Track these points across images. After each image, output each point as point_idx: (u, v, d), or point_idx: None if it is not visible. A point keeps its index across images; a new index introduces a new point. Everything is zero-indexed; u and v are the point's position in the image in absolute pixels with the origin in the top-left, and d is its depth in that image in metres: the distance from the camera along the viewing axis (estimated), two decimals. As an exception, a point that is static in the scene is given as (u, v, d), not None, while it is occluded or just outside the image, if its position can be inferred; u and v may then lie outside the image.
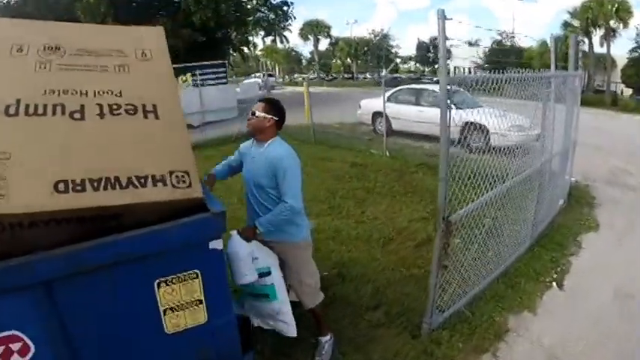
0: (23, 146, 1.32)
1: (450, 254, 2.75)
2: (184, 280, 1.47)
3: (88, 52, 1.65)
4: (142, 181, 1.36)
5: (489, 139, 3.60)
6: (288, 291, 2.56)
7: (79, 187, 1.27)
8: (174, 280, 1.45)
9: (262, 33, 31.50)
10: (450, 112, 2.38)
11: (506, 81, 2.94)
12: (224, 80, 15.67)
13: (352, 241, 4.49)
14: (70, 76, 1.55)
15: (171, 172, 1.41)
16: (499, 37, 38.73)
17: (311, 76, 49.33)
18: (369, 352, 2.79)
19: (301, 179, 2.45)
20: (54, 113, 1.41)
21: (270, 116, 2.45)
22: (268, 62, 58.61)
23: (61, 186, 1.25)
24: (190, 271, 1.47)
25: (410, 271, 3.78)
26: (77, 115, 1.43)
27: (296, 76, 56.16)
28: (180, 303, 1.49)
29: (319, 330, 2.76)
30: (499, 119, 3.38)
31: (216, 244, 1.47)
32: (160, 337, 1.49)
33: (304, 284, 2.61)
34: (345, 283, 3.62)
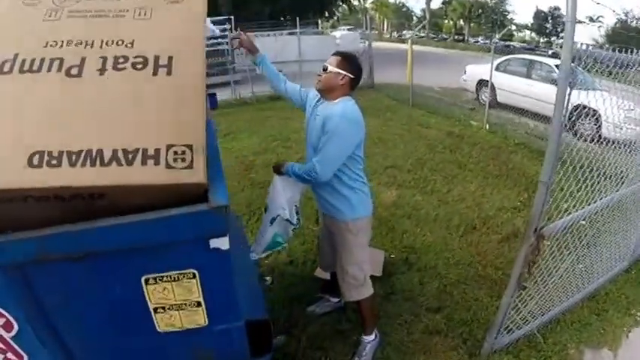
0: (8, 109, 1.15)
1: (535, 273, 2.18)
2: (177, 280, 1.24)
3: None
4: (130, 156, 1.08)
5: (600, 127, 2.94)
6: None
7: (54, 162, 1.05)
8: (165, 279, 1.23)
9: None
10: (568, 94, 1.79)
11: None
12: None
13: (429, 224, 4.06)
14: (78, 24, 1.32)
15: (169, 147, 1.11)
16: (624, 17, 33.03)
17: (421, 34, 46.60)
18: (416, 364, 2.43)
19: (350, 151, 2.05)
20: (49, 69, 1.20)
21: (345, 73, 2.10)
22: (377, 15, 56.50)
23: (36, 159, 1.05)
24: (185, 271, 1.24)
25: (486, 270, 3.25)
26: (74, 71, 1.20)
27: (404, 32, 53.58)
28: (175, 303, 1.29)
29: (363, 327, 2.46)
30: (617, 108, 2.72)
31: (219, 243, 1.19)
32: (150, 335, 1.33)
33: (347, 273, 2.28)
34: (411, 272, 3.25)
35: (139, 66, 1.23)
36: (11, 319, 1.20)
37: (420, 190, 4.95)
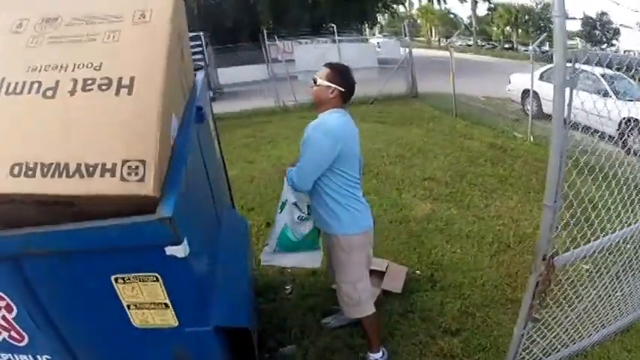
0: None
1: (550, 304, 2.01)
2: (144, 281, 1.34)
3: (83, 19, 1.53)
4: (91, 169, 1.21)
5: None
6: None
7: (30, 172, 1.21)
8: (132, 279, 1.34)
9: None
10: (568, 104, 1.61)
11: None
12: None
13: (461, 240, 3.85)
14: (56, 49, 1.47)
15: (124, 162, 1.22)
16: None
17: (468, 42, 45.42)
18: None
19: (324, 163, 2.01)
20: (29, 91, 1.36)
21: (334, 86, 2.05)
22: (424, 22, 55.69)
23: (16, 169, 1.22)
24: (148, 274, 1.33)
25: (515, 293, 2.99)
26: (49, 93, 1.35)
27: (452, 40, 52.69)
28: (145, 302, 1.38)
29: (368, 344, 2.37)
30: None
31: (175, 251, 1.27)
32: (128, 328, 1.44)
33: (342, 292, 2.23)
34: (434, 291, 3.10)
35: (104, 87, 1.36)
36: (11, 302, 1.37)
37: (456, 204, 4.74)
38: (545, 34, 8.63)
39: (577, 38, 50.79)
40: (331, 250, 2.26)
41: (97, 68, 1.40)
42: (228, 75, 15.13)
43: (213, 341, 1.50)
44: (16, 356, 1.54)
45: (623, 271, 2.53)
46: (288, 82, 10.77)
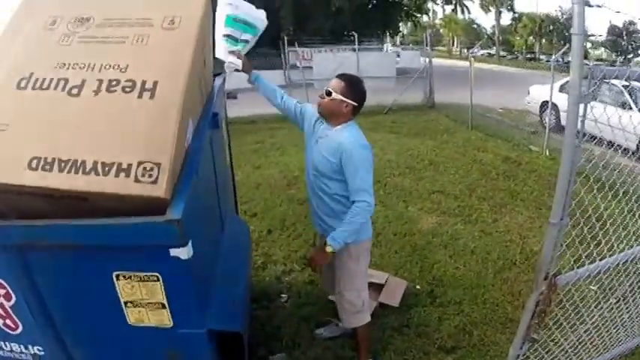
0: (19, 119, 1.38)
1: (550, 325, 1.95)
2: (144, 280, 1.38)
3: (115, 21, 1.60)
4: (107, 168, 1.27)
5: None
6: None
7: (47, 167, 1.27)
8: (132, 277, 1.38)
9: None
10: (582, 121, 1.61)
11: None
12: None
13: (465, 256, 3.80)
14: (85, 49, 1.53)
15: (140, 163, 1.28)
16: None
17: (491, 52, 44.90)
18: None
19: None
20: (55, 88, 1.43)
21: (348, 101, 2.01)
22: (446, 32, 55.37)
23: (34, 163, 1.28)
24: (150, 273, 1.37)
25: (517, 312, 2.90)
26: (75, 91, 1.42)
27: (474, 50, 52.40)
28: (142, 301, 1.42)
29: (359, 355, 2.37)
30: None
31: (179, 253, 1.32)
32: (122, 326, 1.48)
33: (344, 298, 2.22)
34: (432, 306, 3.06)
35: (128, 89, 1.42)
36: (10, 291, 1.44)
37: (464, 218, 4.68)
38: (567, 45, 8.42)
39: (602, 48, 49.73)
40: (338, 262, 2.20)
41: (123, 70, 1.46)
42: (243, 79, 15.27)
43: (205, 344, 1.53)
44: (7, 344, 1.60)
45: (631, 292, 2.43)
46: (304, 88, 10.77)
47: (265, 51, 17.79)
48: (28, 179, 1.26)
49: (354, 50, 12.67)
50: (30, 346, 1.60)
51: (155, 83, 1.42)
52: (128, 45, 1.54)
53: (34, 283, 1.42)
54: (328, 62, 12.67)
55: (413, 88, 11.60)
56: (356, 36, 12.35)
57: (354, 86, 2.06)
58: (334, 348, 2.61)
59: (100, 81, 1.44)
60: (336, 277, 2.25)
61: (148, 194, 1.25)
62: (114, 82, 1.43)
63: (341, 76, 2.07)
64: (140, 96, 1.40)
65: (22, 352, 1.62)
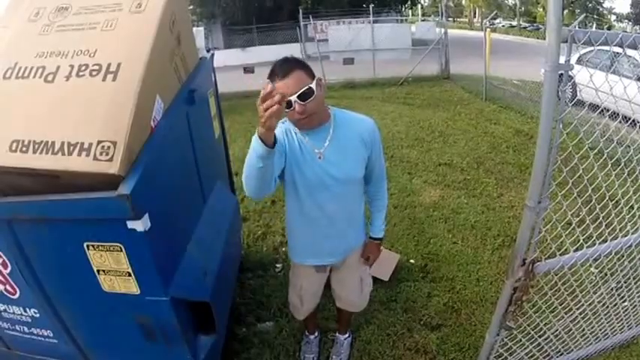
0: (3, 106, 1.50)
1: (530, 312, 1.87)
2: (110, 250, 1.48)
3: (90, 9, 1.69)
4: (72, 148, 1.36)
5: None
6: None
7: (24, 149, 1.38)
8: (100, 247, 1.48)
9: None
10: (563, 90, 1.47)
11: None
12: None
13: (465, 231, 3.74)
14: (61, 37, 1.62)
15: (99, 142, 1.36)
16: None
17: (512, 24, 43.08)
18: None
19: None
20: (34, 76, 1.53)
21: (322, 83, 1.57)
22: (468, 4, 53.19)
23: (14, 145, 1.39)
24: (113, 244, 1.47)
25: None
26: (50, 78, 1.51)
27: (498, 21, 50.12)
28: (111, 269, 1.52)
29: (344, 326, 2.40)
30: None
31: (135, 225, 1.40)
32: (99, 292, 1.59)
33: (367, 285, 2.13)
34: (423, 282, 3.03)
35: (94, 73, 1.50)
36: (6, 259, 1.59)
37: (468, 192, 4.59)
38: (583, 15, 7.99)
39: (626, 21, 47.09)
40: (354, 264, 2.01)
41: (92, 55, 1.54)
42: (260, 53, 15.24)
43: (170, 311, 1.61)
44: (10, 307, 1.77)
45: (624, 280, 2.31)
46: (319, 61, 10.62)
47: (283, 25, 17.53)
48: (10, 160, 1.38)
49: (370, 22, 12.36)
50: (28, 309, 1.75)
51: (118, 65, 1.49)
52: (98, 30, 1.62)
53: (23, 253, 1.54)
54: (343, 34, 12.47)
55: (429, 60, 11.25)
56: (372, 7, 12.01)
57: (308, 67, 1.55)
58: (319, 319, 2.63)
59: (72, 67, 1.52)
60: (350, 281, 2.06)
61: (104, 171, 1.33)
62: (83, 67, 1.51)
63: (293, 67, 1.49)
64: (104, 79, 1.48)
65: (22, 315, 1.78)
